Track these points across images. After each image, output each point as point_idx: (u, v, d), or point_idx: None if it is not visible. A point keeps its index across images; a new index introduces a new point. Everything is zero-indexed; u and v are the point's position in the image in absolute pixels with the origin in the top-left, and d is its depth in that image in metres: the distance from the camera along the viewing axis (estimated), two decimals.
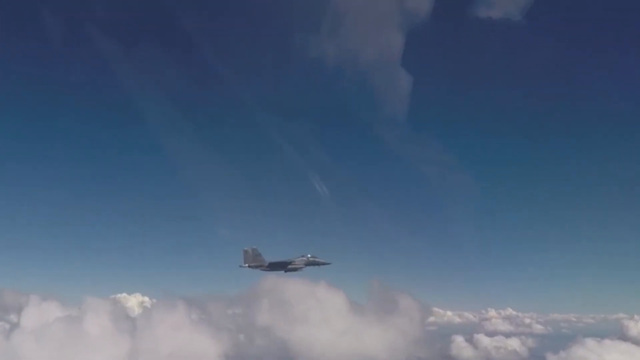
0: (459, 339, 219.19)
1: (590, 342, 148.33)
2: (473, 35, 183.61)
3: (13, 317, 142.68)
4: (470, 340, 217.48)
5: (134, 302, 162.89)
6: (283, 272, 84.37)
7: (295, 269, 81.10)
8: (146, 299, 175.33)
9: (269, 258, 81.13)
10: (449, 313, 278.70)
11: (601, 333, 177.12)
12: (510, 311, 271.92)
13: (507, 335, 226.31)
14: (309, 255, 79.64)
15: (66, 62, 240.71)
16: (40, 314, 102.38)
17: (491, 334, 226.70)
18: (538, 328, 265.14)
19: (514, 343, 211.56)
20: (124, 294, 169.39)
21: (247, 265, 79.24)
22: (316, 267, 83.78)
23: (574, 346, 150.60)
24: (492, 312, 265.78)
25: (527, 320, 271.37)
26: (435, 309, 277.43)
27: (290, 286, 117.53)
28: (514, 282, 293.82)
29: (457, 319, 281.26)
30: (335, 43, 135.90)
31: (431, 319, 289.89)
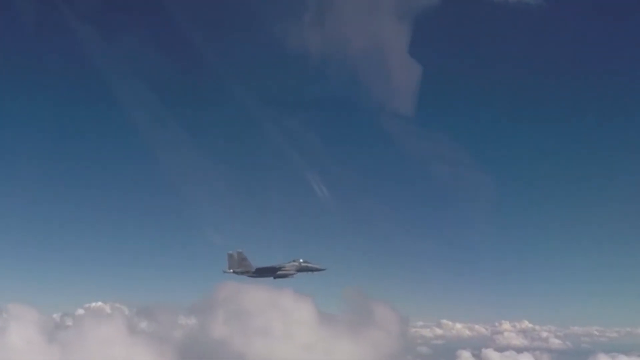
0: (466, 355, 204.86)
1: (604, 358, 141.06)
2: (488, 20, 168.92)
3: None
4: (477, 356, 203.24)
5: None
6: (272, 278, 75.04)
7: (285, 275, 74.23)
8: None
9: (258, 263, 71.16)
10: (458, 325, 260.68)
11: (625, 348, 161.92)
12: (526, 324, 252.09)
13: (520, 350, 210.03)
14: (301, 260, 71.52)
15: (41, 49, 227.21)
16: None
17: (502, 349, 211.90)
18: (555, 343, 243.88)
19: (526, 359, 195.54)
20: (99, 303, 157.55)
21: (231, 270, 71.44)
22: (309, 273, 74.38)
23: None
24: (506, 325, 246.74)
25: (545, 334, 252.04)
26: (444, 321, 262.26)
27: (252, 294, 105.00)
28: (531, 292, 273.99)
29: (467, 332, 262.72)
30: (336, 30, 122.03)
31: (438, 332, 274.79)
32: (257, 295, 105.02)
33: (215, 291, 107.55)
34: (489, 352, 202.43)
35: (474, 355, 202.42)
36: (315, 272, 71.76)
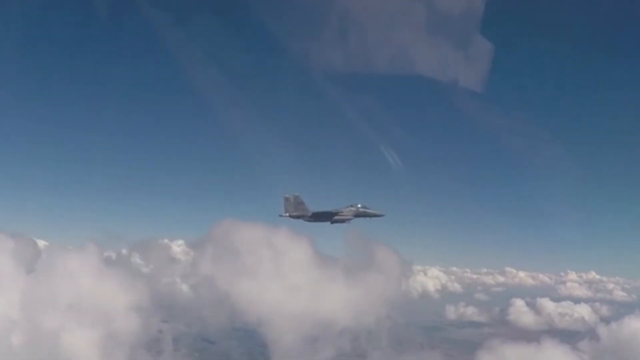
0: (520, 303, 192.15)
1: None
2: None
3: None
4: (532, 305, 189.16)
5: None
6: (329, 223, 68.82)
7: (342, 220, 65.67)
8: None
9: (315, 208, 66.18)
10: (522, 274, 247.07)
11: None
12: (593, 275, 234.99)
13: (580, 300, 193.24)
14: (359, 205, 64.83)
15: (114, 35, 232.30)
16: None
17: (563, 299, 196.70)
18: (620, 295, 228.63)
19: (583, 310, 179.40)
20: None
21: (287, 214, 65.34)
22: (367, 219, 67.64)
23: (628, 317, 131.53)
24: (572, 275, 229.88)
25: (611, 286, 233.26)
26: (508, 269, 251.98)
27: (249, 232, 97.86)
28: (599, 243, 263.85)
29: (529, 281, 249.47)
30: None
31: (500, 279, 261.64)
32: (253, 235, 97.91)
33: (213, 229, 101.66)
34: (545, 302, 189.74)
35: (528, 304, 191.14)
36: (373, 218, 66.50)
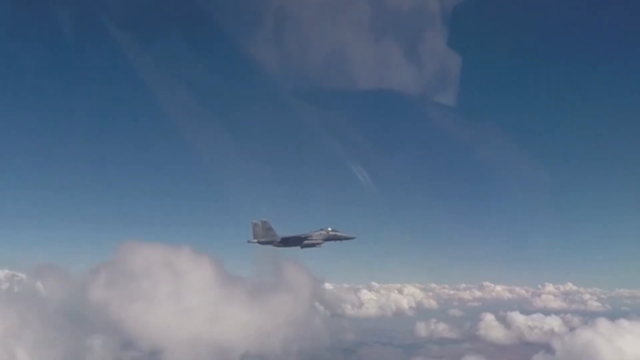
0: (490, 317, 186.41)
1: (605, 323, 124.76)
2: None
3: None
4: (502, 319, 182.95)
5: None
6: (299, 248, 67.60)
7: (312, 245, 66.33)
8: None
9: (285, 230, 63.62)
10: (498, 288, 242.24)
11: None
12: (570, 286, 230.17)
13: (553, 312, 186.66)
14: (329, 229, 66.57)
15: (81, 56, 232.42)
16: None
17: (534, 312, 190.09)
18: (594, 305, 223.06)
19: (553, 322, 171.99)
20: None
21: (256, 240, 64.72)
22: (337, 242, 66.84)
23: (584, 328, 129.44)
24: (549, 287, 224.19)
25: (587, 297, 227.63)
26: (486, 284, 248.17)
27: (148, 253, 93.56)
28: (576, 254, 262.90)
29: (506, 294, 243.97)
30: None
31: (477, 294, 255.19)
32: (154, 256, 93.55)
33: (115, 252, 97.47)
34: (515, 315, 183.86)
35: (498, 318, 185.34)
36: (344, 241, 65.39)
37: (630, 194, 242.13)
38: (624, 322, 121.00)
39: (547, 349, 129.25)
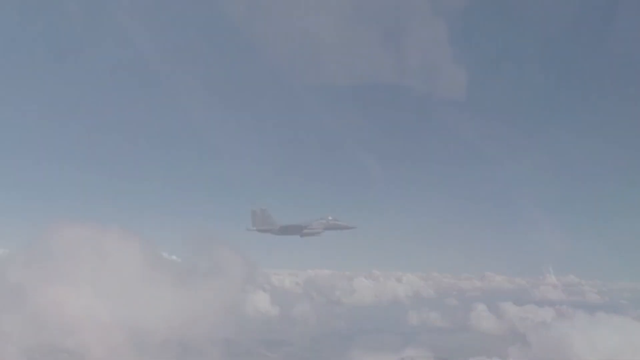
0: (481, 308, 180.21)
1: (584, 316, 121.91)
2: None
3: None
4: (494, 310, 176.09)
5: None
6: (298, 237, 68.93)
7: (312, 234, 66.72)
8: None
9: (287, 219, 66.90)
10: (499, 278, 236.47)
11: None
12: (572, 278, 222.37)
13: (551, 304, 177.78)
14: (329, 217, 67.02)
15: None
16: None
17: (530, 302, 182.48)
18: (592, 297, 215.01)
19: (546, 314, 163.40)
20: None
21: (255, 228, 65.87)
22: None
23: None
24: (550, 279, 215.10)
25: (586, 289, 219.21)
26: (487, 274, 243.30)
27: (76, 233, 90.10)
28: (579, 246, 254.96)
29: (507, 285, 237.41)
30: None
31: (477, 284, 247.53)
32: (81, 237, 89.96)
33: (43, 233, 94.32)
34: (507, 306, 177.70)
35: (490, 308, 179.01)
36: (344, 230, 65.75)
37: (635, 188, 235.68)
38: (602, 315, 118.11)
39: (524, 341, 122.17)
